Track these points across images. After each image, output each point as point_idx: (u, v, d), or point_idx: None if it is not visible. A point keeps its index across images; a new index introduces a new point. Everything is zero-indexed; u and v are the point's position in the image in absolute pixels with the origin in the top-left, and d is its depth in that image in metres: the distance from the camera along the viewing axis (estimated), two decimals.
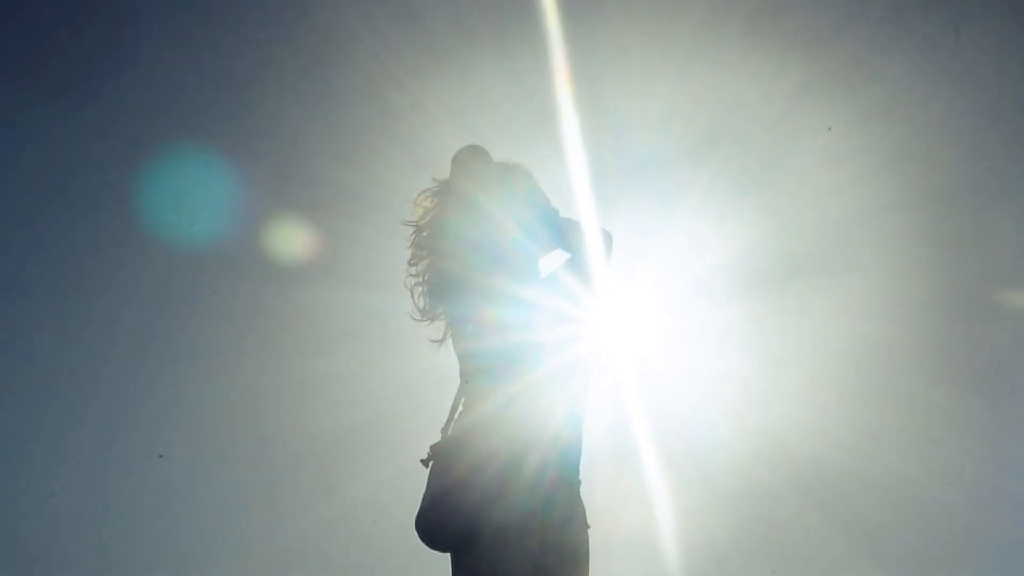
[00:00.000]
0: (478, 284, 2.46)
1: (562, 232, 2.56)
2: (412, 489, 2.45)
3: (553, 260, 2.58)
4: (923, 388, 5.02)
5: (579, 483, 2.40)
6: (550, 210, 2.58)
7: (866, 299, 5.07)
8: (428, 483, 2.31)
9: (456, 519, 2.21)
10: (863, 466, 4.96)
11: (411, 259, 2.54)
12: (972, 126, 5.21)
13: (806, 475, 4.95)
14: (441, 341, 2.53)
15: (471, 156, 2.54)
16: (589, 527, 2.38)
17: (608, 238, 2.62)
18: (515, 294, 2.48)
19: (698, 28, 5.01)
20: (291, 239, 5.12)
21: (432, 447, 2.37)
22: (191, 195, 5.15)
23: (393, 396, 4.96)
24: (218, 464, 5.30)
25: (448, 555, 2.30)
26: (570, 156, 4.14)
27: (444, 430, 2.40)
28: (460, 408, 2.43)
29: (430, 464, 2.35)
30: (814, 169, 5.18)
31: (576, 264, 2.54)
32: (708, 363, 5.04)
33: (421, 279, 2.52)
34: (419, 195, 2.56)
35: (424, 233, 2.52)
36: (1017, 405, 5.08)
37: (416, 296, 2.53)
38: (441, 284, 2.49)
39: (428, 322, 2.55)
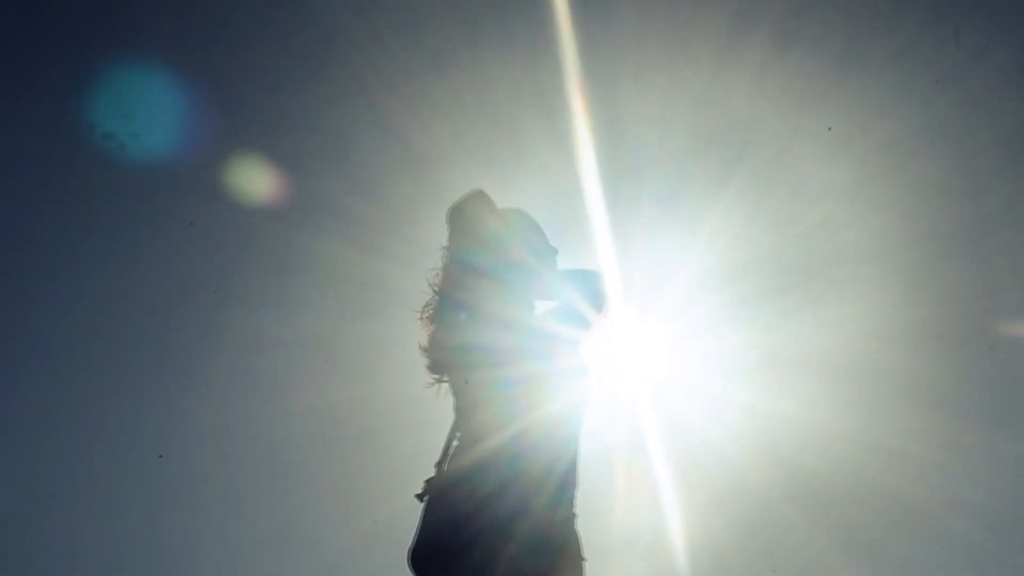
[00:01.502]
0: (490, 312, 2.43)
1: (569, 276, 2.53)
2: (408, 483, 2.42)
3: (554, 297, 2.55)
4: (920, 400, 5.03)
5: (575, 516, 2.37)
6: (550, 250, 2.56)
7: (875, 313, 5.07)
8: (424, 519, 2.26)
9: (454, 555, 2.16)
10: (858, 475, 4.98)
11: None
12: (971, 126, 5.21)
13: (805, 481, 4.97)
14: (439, 381, 2.46)
15: (475, 200, 2.52)
16: (585, 560, 2.34)
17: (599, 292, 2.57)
18: (529, 323, 2.45)
19: (712, 33, 4.99)
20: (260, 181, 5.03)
21: (428, 482, 2.32)
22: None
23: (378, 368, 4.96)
24: (218, 464, 5.31)
25: None
26: (581, 159, 4.13)
27: (440, 465, 2.35)
28: (455, 443, 2.37)
29: (425, 499, 2.29)
30: (826, 178, 5.17)
31: (579, 303, 2.52)
32: (714, 375, 5.05)
33: (428, 309, 2.49)
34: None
35: (440, 267, 2.51)
36: (1011, 423, 5.11)
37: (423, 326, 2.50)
38: (449, 312, 2.44)
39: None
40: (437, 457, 2.41)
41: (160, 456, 5.15)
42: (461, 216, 2.50)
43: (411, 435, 4.65)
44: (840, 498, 4.98)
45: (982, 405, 5.12)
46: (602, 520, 4.76)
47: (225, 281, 5.29)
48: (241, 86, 5.32)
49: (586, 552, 2.37)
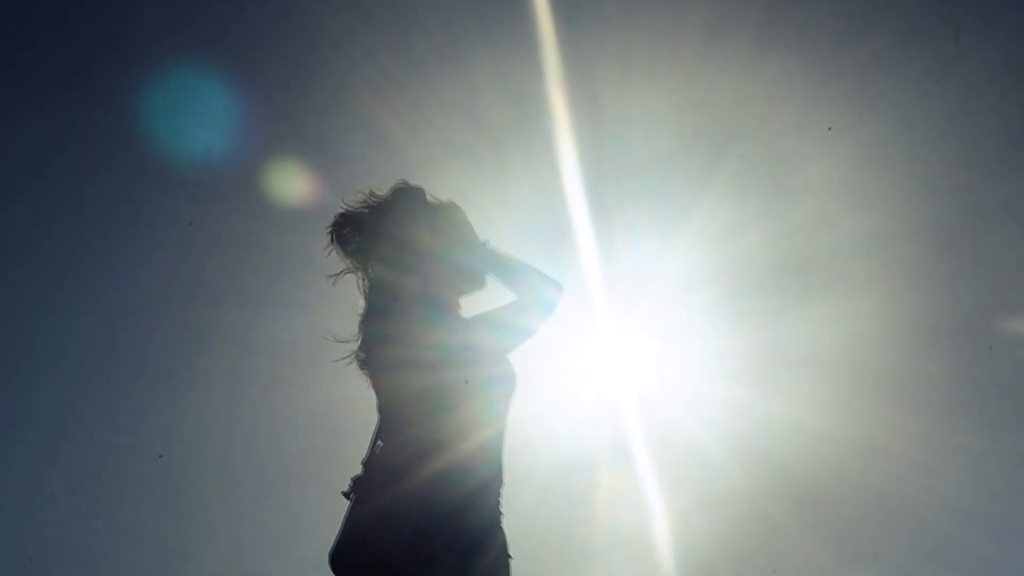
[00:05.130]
0: (479, 311, 2.39)
1: (500, 267, 2.50)
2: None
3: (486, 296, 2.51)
4: (912, 399, 5.01)
5: (501, 514, 2.30)
6: (480, 246, 2.51)
7: (863, 311, 5.05)
8: (348, 516, 2.20)
9: (378, 554, 2.10)
10: (849, 476, 4.95)
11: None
12: (971, 126, 5.20)
13: (794, 482, 4.95)
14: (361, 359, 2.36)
15: (407, 194, 2.46)
16: (511, 558, 2.29)
17: (556, 285, 2.53)
18: (508, 322, 2.43)
19: (698, 29, 4.99)
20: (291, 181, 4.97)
21: (354, 480, 2.26)
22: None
23: None
24: (218, 464, 5.30)
25: None
26: (564, 161, 4.11)
27: (366, 462, 2.29)
28: (379, 443, 2.31)
29: (351, 497, 2.24)
30: (817, 175, 5.15)
31: (520, 302, 2.49)
32: (702, 373, 5.03)
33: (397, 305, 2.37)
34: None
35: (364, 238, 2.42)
36: (1012, 426, 5.09)
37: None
38: (427, 311, 2.35)
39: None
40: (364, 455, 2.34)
41: (160, 456, 5.16)
42: (436, 213, 2.45)
43: None
44: (830, 500, 4.96)
45: (976, 404, 5.10)
46: (586, 524, 4.76)
47: (229, 281, 5.30)
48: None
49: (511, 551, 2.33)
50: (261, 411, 5.27)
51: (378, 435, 2.34)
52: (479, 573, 2.19)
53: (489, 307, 2.51)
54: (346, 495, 2.25)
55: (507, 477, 2.32)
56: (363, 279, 2.45)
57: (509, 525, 2.34)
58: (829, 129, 5.07)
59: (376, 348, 2.31)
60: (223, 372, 5.33)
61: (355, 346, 2.38)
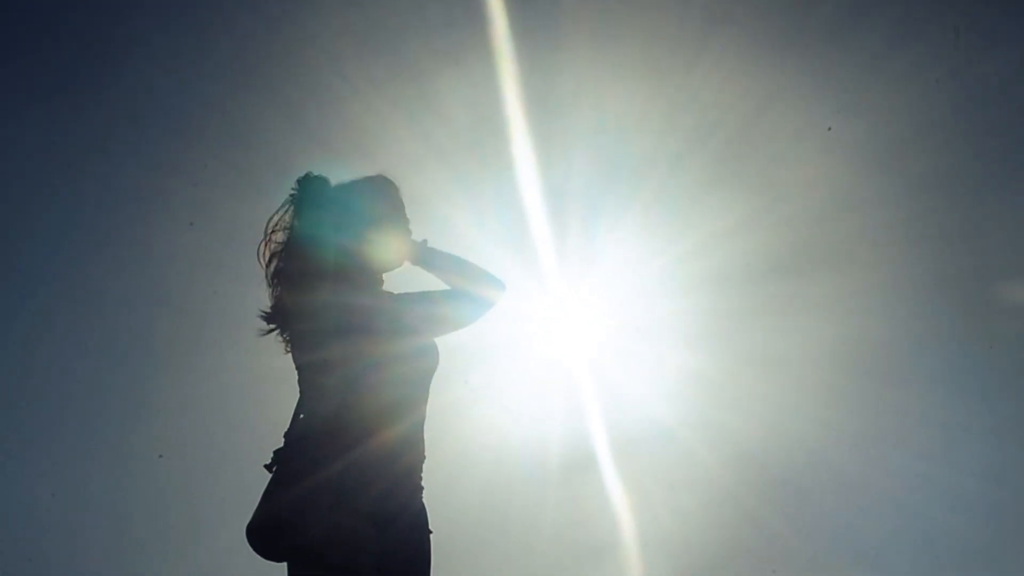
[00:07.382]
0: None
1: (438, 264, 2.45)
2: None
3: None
4: (900, 388, 4.99)
5: (422, 488, 2.28)
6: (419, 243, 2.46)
7: (841, 298, 5.04)
8: (271, 489, 2.15)
9: (305, 539, 2.07)
10: (833, 469, 4.93)
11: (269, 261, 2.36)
12: (971, 126, 5.21)
13: (772, 478, 4.93)
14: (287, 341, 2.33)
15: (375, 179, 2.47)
16: (432, 532, 2.27)
17: (497, 282, 2.48)
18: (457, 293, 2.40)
19: (675, 25, 5.00)
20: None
21: (276, 452, 2.22)
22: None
23: None
24: (218, 464, 5.30)
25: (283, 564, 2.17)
26: (520, 158, 4.12)
27: (288, 435, 2.25)
28: (302, 415, 2.27)
29: (273, 470, 2.19)
30: (796, 164, 5.15)
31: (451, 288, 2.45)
32: (673, 365, 5.01)
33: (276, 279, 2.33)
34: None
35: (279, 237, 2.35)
36: (1011, 405, 5.06)
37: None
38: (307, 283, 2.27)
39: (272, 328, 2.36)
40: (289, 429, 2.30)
41: (160, 456, 5.16)
42: (392, 188, 2.45)
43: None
44: (801, 484, 4.94)
45: (965, 399, 5.09)
46: (541, 508, 4.73)
47: (226, 278, 5.30)
48: None
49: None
50: (261, 410, 5.27)
51: (301, 407, 2.30)
52: (401, 550, 2.18)
53: (420, 287, 2.47)
54: (268, 468, 2.21)
55: (428, 452, 2.31)
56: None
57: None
58: (829, 129, 5.08)
59: (336, 316, 2.23)
60: (223, 370, 5.33)
61: (289, 316, 2.32)
